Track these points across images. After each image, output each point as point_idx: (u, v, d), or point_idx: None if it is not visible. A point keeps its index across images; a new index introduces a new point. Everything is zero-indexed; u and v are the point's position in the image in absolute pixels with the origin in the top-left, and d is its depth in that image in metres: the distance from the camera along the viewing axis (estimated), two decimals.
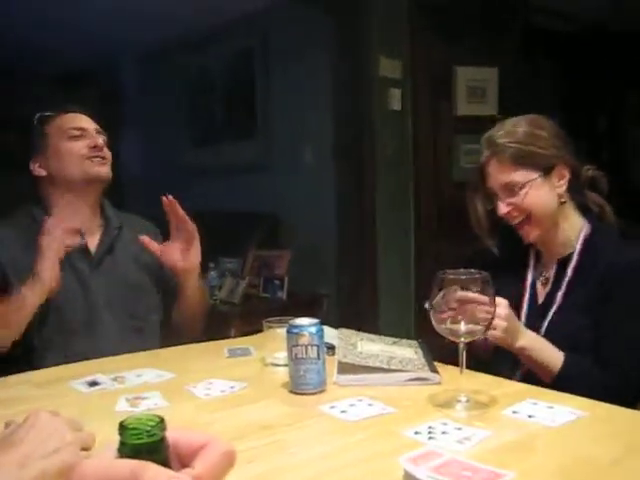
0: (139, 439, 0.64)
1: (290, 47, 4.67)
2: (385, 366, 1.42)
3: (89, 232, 1.96)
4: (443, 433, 1.10)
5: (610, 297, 1.58)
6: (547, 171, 1.67)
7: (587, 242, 1.68)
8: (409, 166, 4.22)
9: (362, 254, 4.05)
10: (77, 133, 1.94)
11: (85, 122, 1.99)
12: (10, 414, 1.13)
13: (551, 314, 1.67)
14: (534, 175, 1.65)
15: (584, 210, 1.74)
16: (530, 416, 1.17)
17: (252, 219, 4.75)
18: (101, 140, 1.97)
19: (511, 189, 1.66)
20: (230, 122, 5.26)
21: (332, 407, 1.26)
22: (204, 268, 4.21)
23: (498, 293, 1.63)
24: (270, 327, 1.61)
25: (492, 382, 1.40)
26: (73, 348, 1.77)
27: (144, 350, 1.80)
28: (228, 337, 2.02)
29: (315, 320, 1.39)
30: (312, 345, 1.35)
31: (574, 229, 1.71)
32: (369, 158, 4.02)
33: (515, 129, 1.69)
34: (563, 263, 1.70)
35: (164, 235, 2.12)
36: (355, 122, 4.05)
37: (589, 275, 1.63)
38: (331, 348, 1.60)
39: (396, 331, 1.84)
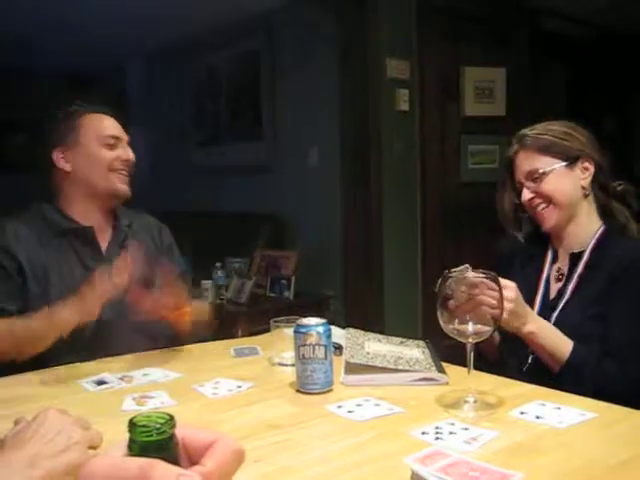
0: (149, 436, 0.64)
1: (297, 48, 4.67)
2: (392, 366, 1.42)
3: (100, 230, 1.95)
4: (450, 433, 1.10)
5: (620, 291, 1.61)
6: (571, 161, 1.71)
7: (600, 240, 1.72)
8: (416, 166, 4.22)
9: (368, 255, 4.05)
10: (112, 142, 1.93)
11: (120, 131, 1.98)
12: (18, 412, 1.14)
13: (560, 307, 1.70)
14: (556, 162, 1.70)
15: (604, 216, 1.77)
16: (538, 417, 1.17)
17: (259, 219, 4.76)
18: (131, 155, 1.97)
19: (535, 177, 1.71)
20: (237, 123, 5.27)
21: (339, 407, 1.26)
22: (211, 268, 4.24)
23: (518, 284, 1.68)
24: (277, 327, 1.61)
25: (500, 383, 1.39)
26: (82, 346, 1.76)
27: (153, 349, 1.80)
28: (234, 337, 2.02)
29: (322, 320, 1.39)
30: (319, 345, 1.35)
31: (591, 227, 1.74)
32: (376, 159, 4.02)
33: (549, 127, 1.75)
34: (575, 258, 1.73)
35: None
36: (362, 123, 4.05)
37: (599, 270, 1.66)
38: (338, 348, 1.60)
39: (402, 331, 1.83)
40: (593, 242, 1.72)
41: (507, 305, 1.44)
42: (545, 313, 1.68)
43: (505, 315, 1.42)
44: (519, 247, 1.87)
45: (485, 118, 4.36)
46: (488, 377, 1.42)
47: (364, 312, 3.96)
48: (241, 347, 1.77)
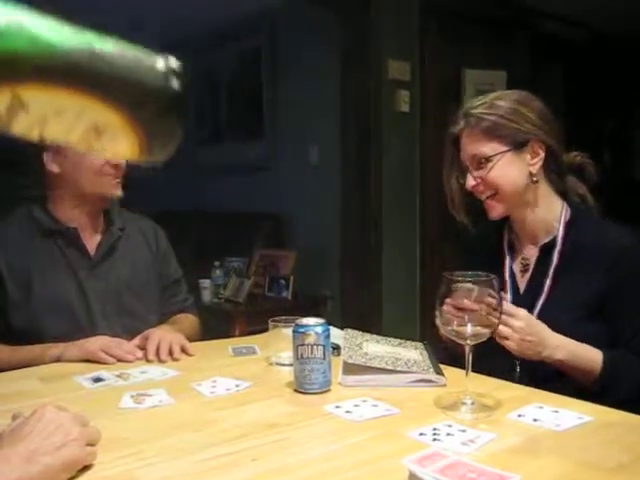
0: None
1: (298, 48, 4.68)
2: (390, 367, 1.42)
3: (89, 234, 1.91)
4: (448, 435, 1.10)
5: (620, 285, 1.52)
6: (519, 146, 1.58)
7: (569, 226, 1.61)
8: (416, 168, 4.22)
9: (367, 255, 4.05)
10: None
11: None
12: (15, 408, 1.14)
13: (540, 305, 1.58)
14: (503, 148, 1.57)
15: (564, 195, 1.67)
16: (535, 420, 1.17)
17: (258, 219, 4.77)
18: (122, 159, 1.87)
19: (480, 162, 1.59)
20: (237, 122, 5.28)
21: (337, 407, 1.26)
22: (210, 267, 4.24)
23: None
24: (276, 326, 1.61)
25: (497, 385, 1.39)
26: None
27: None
28: (232, 336, 2.02)
29: (321, 320, 1.39)
30: (318, 345, 1.34)
31: (553, 212, 1.63)
32: (376, 159, 4.02)
33: (496, 103, 1.61)
34: (546, 249, 1.62)
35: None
36: (363, 123, 4.06)
37: (577, 262, 1.56)
38: (336, 348, 1.59)
39: (400, 332, 1.83)
40: (562, 228, 1.61)
41: (514, 335, 1.39)
42: None
43: (514, 346, 1.40)
44: (484, 239, 1.79)
45: None
46: (486, 379, 1.42)
47: (362, 313, 3.96)
48: (239, 346, 1.77)
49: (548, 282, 1.59)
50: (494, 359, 1.40)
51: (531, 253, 1.67)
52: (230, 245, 4.56)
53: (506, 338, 1.39)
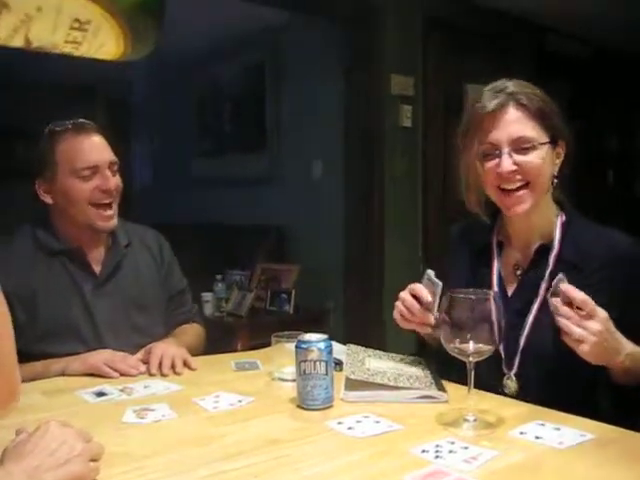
0: None
1: (302, 62, 4.70)
2: (392, 383, 1.42)
3: (94, 251, 1.91)
4: (450, 452, 1.10)
5: (629, 292, 1.43)
6: (553, 142, 1.50)
7: (565, 230, 1.54)
8: (418, 182, 4.23)
9: (369, 269, 4.06)
10: (88, 173, 1.81)
11: (98, 155, 1.84)
12: (18, 422, 1.14)
13: (535, 309, 1.51)
14: (546, 139, 1.48)
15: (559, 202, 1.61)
16: (537, 437, 1.17)
17: (260, 232, 4.77)
18: (112, 183, 1.85)
19: (523, 146, 1.47)
20: (240, 134, 5.29)
21: (339, 423, 1.26)
22: (212, 280, 4.24)
23: (467, 279, 1.60)
24: (279, 341, 1.61)
25: (499, 402, 1.39)
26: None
27: None
28: (234, 350, 2.02)
29: (324, 336, 1.39)
30: (321, 361, 1.35)
31: (551, 217, 1.57)
32: (378, 173, 4.03)
33: (534, 89, 1.52)
34: (542, 251, 1.55)
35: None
36: (365, 137, 4.07)
37: (576, 268, 1.47)
38: (339, 364, 1.60)
39: (402, 347, 1.83)
40: (558, 232, 1.54)
41: (590, 338, 1.25)
42: (511, 316, 1.44)
43: (587, 349, 1.26)
44: (471, 235, 1.71)
45: None
46: (488, 396, 1.42)
47: (364, 327, 3.95)
48: (242, 361, 1.77)
49: (544, 285, 1.50)
50: (484, 368, 1.33)
51: (522, 256, 1.59)
52: (232, 258, 4.56)
53: (580, 341, 1.26)
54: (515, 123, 1.47)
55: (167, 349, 1.73)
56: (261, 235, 4.77)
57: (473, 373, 1.25)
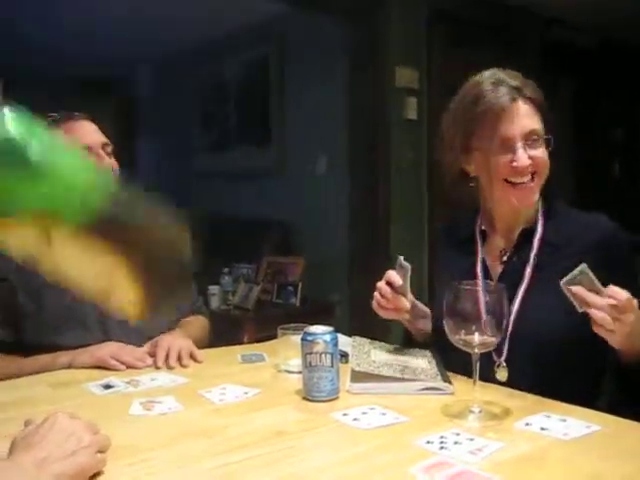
0: None
1: (306, 55, 4.69)
2: (398, 375, 1.42)
3: None
4: (455, 443, 1.10)
5: (612, 272, 1.35)
6: (548, 131, 1.55)
7: (547, 215, 1.58)
8: (424, 174, 4.22)
9: (375, 263, 4.05)
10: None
11: (89, 137, 1.87)
12: (26, 414, 1.15)
13: (522, 291, 1.52)
14: (545, 131, 1.53)
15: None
16: (543, 429, 1.17)
17: (266, 226, 4.78)
18: (107, 161, 1.88)
19: (533, 140, 1.50)
20: (245, 129, 5.30)
21: (345, 415, 1.26)
22: (219, 273, 4.25)
23: (450, 269, 1.65)
24: (285, 334, 1.62)
25: (505, 393, 1.39)
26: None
27: None
28: (240, 342, 2.02)
29: (330, 328, 1.40)
30: (326, 353, 1.35)
31: (536, 202, 1.59)
32: (384, 167, 4.03)
33: (530, 81, 1.56)
34: (526, 235, 1.57)
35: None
36: (371, 131, 4.06)
37: (560, 251, 1.51)
38: (344, 356, 1.60)
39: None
40: (541, 217, 1.58)
41: (624, 329, 1.23)
42: None
43: (619, 339, 1.25)
44: (457, 229, 1.74)
45: None
46: (494, 388, 1.42)
47: (370, 319, 3.94)
48: (248, 353, 1.78)
49: (529, 269, 1.53)
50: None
51: (506, 241, 1.62)
52: (239, 251, 4.57)
53: (612, 331, 1.24)
54: (526, 117, 1.50)
55: (174, 341, 1.74)
56: (267, 229, 4.78)
57: (478, 365, 1.25)
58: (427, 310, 1.76)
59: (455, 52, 4.34)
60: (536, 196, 1.55)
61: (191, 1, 4.39)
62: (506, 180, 1.53)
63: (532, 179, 1.52)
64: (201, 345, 1.92)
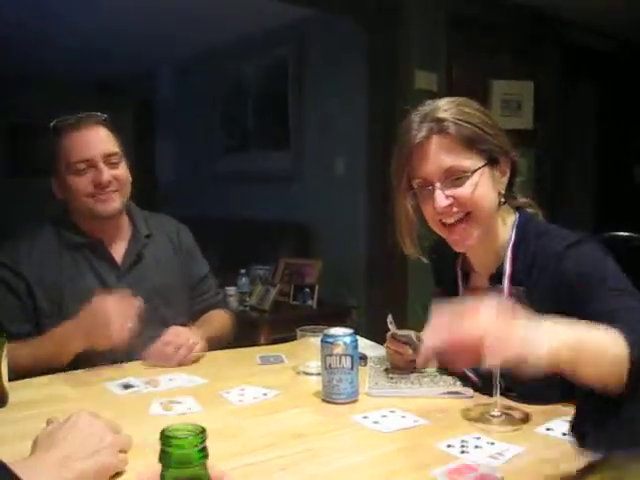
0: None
1: (325, 58, 4.70)
2: (417, 386, 1.42)
3: (115, 243, 1.92)
4: (476, 447, 1.10)
5: (576, 295, 1.26)
6: (492, 163, 1.38)
7: (516, 248, 1.40)
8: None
9: (392, 267, 4.04)
10: (82, 167, 1.81)
11: (90, 148, 1.82)
12: (48, 412, 1.16)
13: None
14: (481, 163, 1.36)
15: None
16: (564, 434, 1.16)
17: (284, 228, 4.78)
18: (106, 176, 1.82)
19: (455, 177, 1.35)
20: (263, 131, 5.31)
21: (365, 417, 1.26)
22: (236, 274, 4.26)
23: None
24: (304, 335, 1.62)
25: None
26: (101, 358, 1.75)
27: None
28: (257, 343, 2.02)
29: (350, 330, 1.40)
30: (346, 355, 1.35)
31: (504, 236, 1.43)
32: None
33: (465, 109, 1.39)
34: (495, 278, 1.42)
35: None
36: (390, 134, 4.05)
37: (525, 288, 1.31)
38: (363, 358, 1.60)
39: None
40: (509, 252, 1.40)
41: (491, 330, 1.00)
42: None
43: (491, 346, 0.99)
44: (442, 255, 1.57)
45: (512, 131, 4.34)
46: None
47: (386, 325, 3.94)
48: (267, 355, 1.78)
49: None
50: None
51: (482, 284, 1.48)
52: (256, 253, 4.58)
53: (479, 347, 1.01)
54: (443, 154, 1.35)
55: (176, 341, 1.74)
56: (284, 230, 4.78)
57: (498, 370, 1.24)
58: None
59: (473, 56, 4.33)
60: (474, 237, 1.39)
61: (210, 3, 4.40)
62: (440, 221, 1.41)
63: (465, 218, 1.38)
64: (225, 340, 1.94)
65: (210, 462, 0.74)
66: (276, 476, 1.02)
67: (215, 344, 1.90)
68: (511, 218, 1.45)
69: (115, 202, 1.86)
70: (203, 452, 0.69)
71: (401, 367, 1.55)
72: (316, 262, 4.39)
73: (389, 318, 1.57)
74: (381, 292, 4.07)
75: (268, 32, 4.94)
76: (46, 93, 6.04)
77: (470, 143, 1.35)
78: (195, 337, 1.77)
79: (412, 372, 1.53)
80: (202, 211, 5.45)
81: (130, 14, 4.65)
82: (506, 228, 1.44)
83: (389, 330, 1.57)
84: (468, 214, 1.37)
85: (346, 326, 1.44)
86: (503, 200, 1.41)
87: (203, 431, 0.70)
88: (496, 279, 1.41)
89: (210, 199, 5.71)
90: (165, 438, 0.69)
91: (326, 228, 4.66)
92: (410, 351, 1.51)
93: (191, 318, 2.00)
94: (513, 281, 1.37)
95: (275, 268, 4.48)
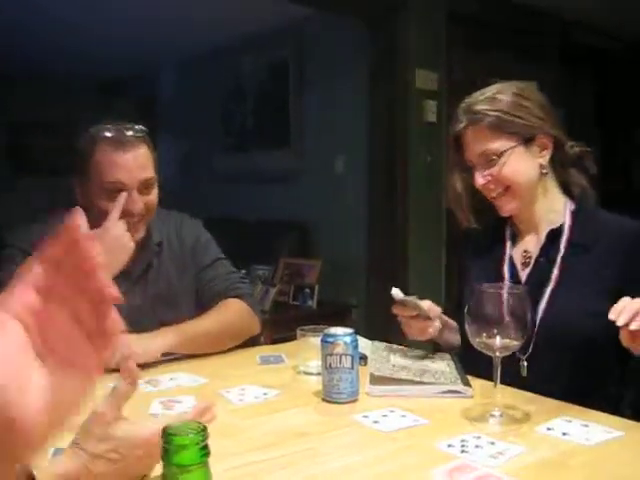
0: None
1: (325, 57, 4.70)
2: (417, 379, 1.42)
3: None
4: (476, 447, 1.10)
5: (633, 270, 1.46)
6: (528, 140, 1.56)
7: (575, 215, 1.60)
8: (442, 177, 4.21)
9: (392, 266, 4.04)
10: (114, 189, 1.72)
11: (126, 174, 1.73)
12: None
13: (548, 293, 1.53)
14: (513, 143, 1.55)
15: (566, 190, 1.66)
16: (564, 434, 1.16)
17: (284, 227, 4.78)
18: (138, 206, 1.76)
19: (488, 159, 1.56)
20: (263, 131, 5.30)
21: (365, 417, 1.26)
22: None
23: (477, 274, 1.64)
24: (304, 335, 1.62)
25: (525, 397, 1.38)
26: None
27: None
28: (257, 344, 2.01)
29: (350, 330, 1.40)
30: (346, 355, 1.35)
31: (558, 203, 1.62)
32: (403, 170, 4.02)
33: (497, 97, 1.57)
34: (553, 237, 1.59)
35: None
36: (390, 133, 4.06)
37: (587, 251, 1.53)
38: (363, 358, 1.60)
39: (425, 343, 1.81)
40: (568, 218, 1.59)
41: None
42: None
43: None
44: (484, 231, 1.74)
45: None
46: (514, 391, 1.41)
47: (387, 323, 3.93)
48: (267, 355, 1.78)
49: (555, 271, 1.54)
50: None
51: (533, 243, 1.64)
52: (256, 253, 4.57)
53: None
54: (476, 142, 1.58)
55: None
56: (284, 231, 4.78)
57: (499, 369, 1.25)
58: (454, 323, 1.74)
59: (474, 55, 4.33)
60: (514, 206, 1.60)
61: (210, 3, 4.40)
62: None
63: (505, 192, 1.59)
64: (239, 330, 1.87)
65: (210, 461, 0.75)
66: (276, 475, 1.02)
67: (226, 338, 1.83)
68: (560, 193, 1.64)
69: (138, 233, 1.81)
70: (205, 450, 0.69)
71: (416, 335, 1.66)
72: (316, 262, 4.39)
73: (394, 290, 1.62)
74: (381, 292, 4.07)
75: (268, 32, 4.93)
76: (46, 93, 6.04)
77: (498, 128, 1.55)
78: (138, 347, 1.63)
79: (414, 361, 1.54)
80: (202, 211, 5.44)
81: (130, 14, 4.65)
82: (559, 196, 1.63)
83: (394, 302, 1.64)
84: (508, 188, 1.58)
85: (346, 326, 1.44)
86: (545, 171, 1.59)
87: (205, 429, 0.70)
88: (553, 238, 1.59)
89: (210, 199, 5.70)
90: (167, 436, 0.69)
91: (326, 228, 4.66)
92: (425, 307, 1.63)
93: (200, 308, 1.92)
94: (570, 243, 1.56)
95: (275, 268, 4.48)
